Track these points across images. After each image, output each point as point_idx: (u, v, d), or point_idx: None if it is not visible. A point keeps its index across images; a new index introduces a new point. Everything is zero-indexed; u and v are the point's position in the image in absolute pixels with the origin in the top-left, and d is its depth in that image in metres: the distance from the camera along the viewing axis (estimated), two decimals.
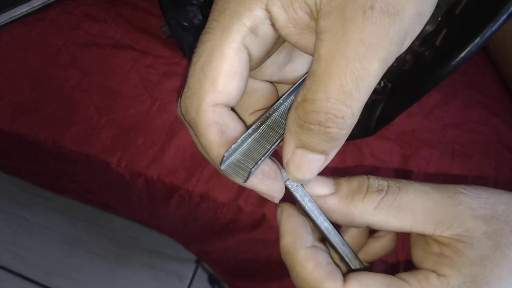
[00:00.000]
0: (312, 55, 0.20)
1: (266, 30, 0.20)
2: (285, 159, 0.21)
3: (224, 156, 0.20)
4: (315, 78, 0.18)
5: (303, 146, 0.20)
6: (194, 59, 0.21)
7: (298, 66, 0.25)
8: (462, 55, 0.28)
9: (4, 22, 0.45)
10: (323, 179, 0.24)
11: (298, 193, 0.24)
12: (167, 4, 0.40)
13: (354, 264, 0.26)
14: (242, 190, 0.41)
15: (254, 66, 0.22)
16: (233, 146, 0.20)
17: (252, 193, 0.41)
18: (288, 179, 0.23)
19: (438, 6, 0.24)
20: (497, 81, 0.47)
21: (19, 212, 0.97)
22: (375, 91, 0.35)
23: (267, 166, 0.22)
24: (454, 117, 0.44)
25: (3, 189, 0.98)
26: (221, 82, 0.20)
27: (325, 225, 0.24)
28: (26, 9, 0.45)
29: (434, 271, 0.22)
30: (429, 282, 0.22)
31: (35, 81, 0.44)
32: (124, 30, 0.46)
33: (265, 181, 0.22)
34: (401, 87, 0.33)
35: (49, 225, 0.97)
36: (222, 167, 0.21)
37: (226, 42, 0.20)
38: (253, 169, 0.20)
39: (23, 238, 0.96)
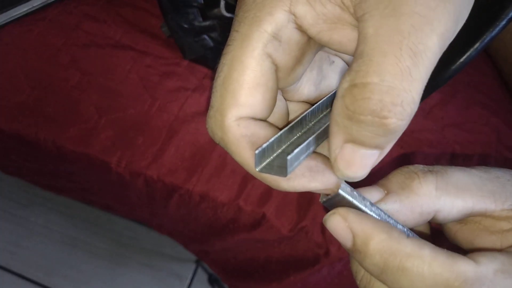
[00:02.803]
0: (349, 54, 0.18)
1: (291, 34, 0.19)
2: (332, 155, 0.18)
3: (255, 157, 0.18)
4: (364, 59, 0.16)
5: (354, 140, 0.17)
6: (216, 75, 0.19)
7: (332, 82, 0.23)
8: (461, 60, 0.28)
9: (4, 22, 0.45)
10: (365, 188, 0.21)
11: (356, 199, 0.20)
12: (167, 6, 0.41)
13: None
14: (242, 190, 0.41)
15: (284, 78, 0.20)
16: (264, 145, 0.18)
17: (252, 192, 0.41)
18: (341, 184, 0.20)
19: None
20: (497, 81, 0.47)
21: (19, 212, 0.97)
22: None
23: (312, 160, 0.19)
24: (454, 117, 0.44)
25: (3, 189, 0.98)
26: (243, 94, 0.18)
27: (399, 227, 0.20)
28: (26, 9, 0.45)
29: None
30: None
31: (35, 81, 0.44)
32: (124, 30, 0.46)
33: (316, 177, 0.19)
34: None
35: (49, 225, 0.97)
36: (257, 169, 0.18)
37: (247, 51, 0.18)
38: (290, 161, 0.17)
39: (23, 238, 0.96)
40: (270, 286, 0.49)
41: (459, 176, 0.21)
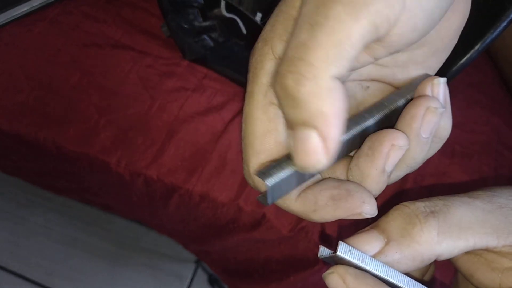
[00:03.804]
0: None
1: None
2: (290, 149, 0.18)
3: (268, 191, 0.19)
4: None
5: (289, 124, 0.17)
6: (243, 130, 0.21)
7: None
8: (462, 61, 0.28)
9: (4, 22, 0.45)
10: (366, 233, 0.21)
11: (354, 258, 0.19)
12: (168, 6, 0.41)
13: None
14: (242, 190, 0.41)
15: None
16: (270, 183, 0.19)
17: (252, 192, 0.41)
18: (338, 247, 0.19)
19: None
20: (498, 80, 0.47)
21: (19, 212, 0.97)
22: None
23: (335, 189, 0.21)
24: (454, 117, 0.44)
25: (3, 189, 0.98)
26: (258, 144, 0.21)
27: (401, 278, 0.20)
28: (26, 9, 0.45)
29: None
30: None
31: (35, 81, 0.44)
32: (124, 30, 0.46)
33: (339, 205, 0.20)
34: None
35: (49, 225, 0.96)
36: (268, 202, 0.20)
37: (253, 105, 0.20)
38: (270, 189, 0.19)
39: (23, 238, 0.95)
40: (270, 286, 0.49)
41: (462, 213, 0.20)
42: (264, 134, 0.20)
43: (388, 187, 0.41)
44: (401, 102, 0.22)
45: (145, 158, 0.41)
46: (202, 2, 0.40)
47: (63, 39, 0.45)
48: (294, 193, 0.22)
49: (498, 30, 0.27)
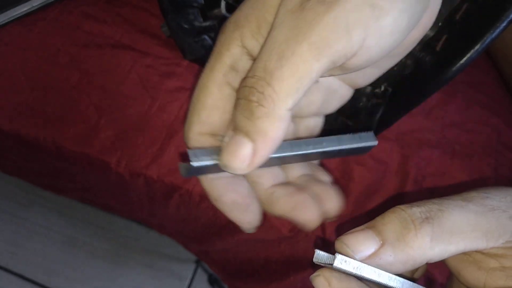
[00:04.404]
0: None
1: (246, 65, 0.22)
2: (222, 147, 0.21)
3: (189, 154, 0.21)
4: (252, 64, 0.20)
5: (235, 127, 0.20)
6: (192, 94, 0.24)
7: (314, 98, 0.26)
8: (462, 61, 0.28)
9: (3, 22, 0.45)
10: (361, 233, 0.21)
11: (351, 267, 0.20)
12: (168, 6, 0.41)
13: None
14: None
15: None
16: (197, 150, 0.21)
17: None
18: (335, 260, 0.20)
19: (438, 11, 0.24)
20: (498, 80, 0.47)
21: (19, 212, 0.98)
22: (376, 95, 0.35)
23: (239, 197, 0.23)
24: (454, 117, 0.44)
25: (3, 189, 0.98)
26: (204, 114, 0.23)
27: (395, 280, 0.21)
28: (26, 9, 0.45)
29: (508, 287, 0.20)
30: None
31: (35, 81, 0.44)
32: (124, 30, 0.46)
33: (234, 211, 0.23)
34: (401, 92, 0.33)
35: (49, 225, 0.97)
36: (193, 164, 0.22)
37: (210, 80, 0.22)
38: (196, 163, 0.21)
39: (23, 238, 0.96)
40: (270, 286, 0.49)
41: (455, 218, 0.21)
42: (212, 108, 0.23)
43: (388, 186, 0.41)
44: (337, 147, 0.24)
45: (145, 158, 0.41)
46: (202, 2, 0.40)
47: (63, 39, 0.45)
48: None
49: (498, 30, 0.27)
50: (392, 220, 0.21)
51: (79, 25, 0.46)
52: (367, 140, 0.25)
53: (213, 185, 0.24)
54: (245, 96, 0.19)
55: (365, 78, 0.26)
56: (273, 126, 0.19)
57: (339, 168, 0.41)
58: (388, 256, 0.20)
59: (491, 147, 0.43)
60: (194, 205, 0.42)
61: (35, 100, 0.43)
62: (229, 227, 0.43)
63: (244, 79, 0.20)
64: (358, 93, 0.35)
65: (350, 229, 0.25)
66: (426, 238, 0.20)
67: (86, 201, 0.60)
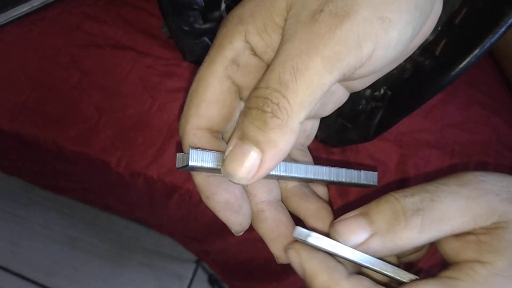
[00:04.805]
0: None
1: (248, 60, 0.22)
2: (226, 153, 0.20)
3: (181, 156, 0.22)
4: (265, 73, 0.20)
5: (243, 135, 0.20)
6: (190, 87, 0.23)
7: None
8: (461, 65, 0.28)
9: (4, 22, 0.45)
10: (353, 222, 0.22)
11: (325, 245, 0.22)
12: (168, 8, 0.41)
13: (404, 277, 0.23)
14: None
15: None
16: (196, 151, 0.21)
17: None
18: (309, 235, 0.22)
19: None
20: (498, 80, 0.47)
21: (19, 212, 0.98)
22: (375, 99, 0.35)
23: (232, 197, 0.23)
24: (454, 117, 0.44)
25: (3, 189, 0.99)
26: (203, 108, 0.22)
27: (360, 257, 0.22)
28: (26, 9, 0.45)
29: (476, 261, 0.21)
30: (477, 272, 0.21)
31: (35, 81, 0.44)
32: (124, 31, 0.46)
33: (226, 211, 0.23)
34: (401, 95, 0.33)
35: (49, 225, 0.97)
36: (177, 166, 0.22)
37: (210, 73, 0.22)
38: (192, 154, 0.21)
39: (23, 238, 0.96)
40: (270, 286, 0.49)
41: (446, 205, 0.22)
42: (212, 102, 0.22)
43: (387, 186, 0.41)
44: (337, 180, 0.25)
45: (145, 157, 0.41)
46: (203, 4, 0.40)
47: (63, 39, 0.46)
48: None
49: (497, 35, 0.27)
50: (384, 210, 0.22)
51: (79, 25, 0.46)
52: (368, 180, 0.26)
53: (207, 182, 0.23)
54: (258, 106, 0.19)
55: (363, 82, 0.26)
56: (285, 138, 0.19)
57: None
58: (377, 245, 0.22)
59: (491, 147, 0.43)
60: (194, 205, 0.43)
61: (35, 100, 0.43)
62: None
63: (256, 89, 0.19)
64: (358, 96, 0.36)
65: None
66: (415, 229, 0.21)
67: (86, 201, 0.60)
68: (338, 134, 0.38)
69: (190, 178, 0.41)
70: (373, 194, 0.40)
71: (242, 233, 0.25)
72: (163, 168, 0.41)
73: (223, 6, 0.41)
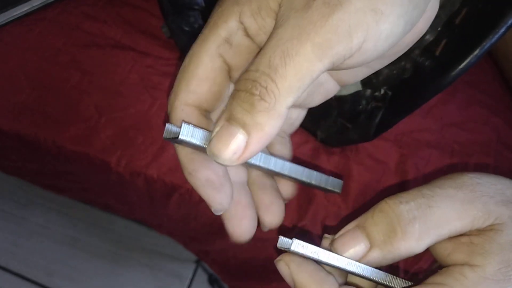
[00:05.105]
0: None
1: (240, 40, 0.22)
2: (213, 133, 0.20)
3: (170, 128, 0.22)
4: (257, 56, 0.20)
5: (230, 117, 0.20)
6: (183, 62, 0.23)
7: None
8: (461, 66, 0.28)
9: (4, 22, 0.45)
10: (350, 237, 0.22)
11: (308, 252, 0.22)
12: (168, 8, 0.41)
13: (394, 283, 0.23)
14: None
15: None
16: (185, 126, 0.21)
17: None
18: (292, 244, 0.22)
19: (437, 16, 0.24)
20: (498, 79, 0.47)
21: (19, 212, 0.98)
22: (376, 99, 0.35)
23: (214, 175, 0.23)
24: (454, 117, 0.44)
25: (3, 189, 0.99)
26: (193, 84, 0.22)
27: (345, 264, 0.22)
28: (26, 8, 0.45)
29: (466, 264, 0.21)
30: (466, 276, 0.21)
31: (35, 81, 0.44)
32: (124, 31, 0.46)
33: (206, 188, 0.23)
34: (401, 95, 0.33)
35: (49, 225, 0.97)
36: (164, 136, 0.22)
37: (203, 49, 0.22)
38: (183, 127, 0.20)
39: (23, 238, 0.96)
40: (270, 286, 0.49)
41: (443, 210, 0.22)
42: (202, 79, 0.22)
43: (387, 186, 0.41)
44: (304, 180, 0.25)
45: (145, 157, 0.41)
46: (203, 4, 0.40)
47: (63, 39, 0.46)
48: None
49: (497, 36, 0.27)
50: (380, 222, 0.22)
51: (79, 25, 0.46)
52: (333, 186, 0.26)
53: (190, 159, 0.23)
54: (246, 88, 0.19)
55: (353, 76, 0.26)
56: (271, 122, 0.19)
57: (338, 167, 0.41)
58: (376, 257, 0.22)
59: (490, 146, 0.43)
60: (194, 204, 0.43)
61: (35, 100, 0.43)
62: None
63: (246, 72, 0.20)
64: (358, 96, 0.36)
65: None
66: (413, 238, 0.21)
67: (86, 201, 0.60)
68: (338, 134, 0.38)
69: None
70: (373, 194, 0.40)
71: (221, 212, 0.25)
72: (163, 167, 0.41)
73: None
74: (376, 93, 0.35)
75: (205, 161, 0.23)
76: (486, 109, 0.44)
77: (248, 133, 0.19)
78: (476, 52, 0.27)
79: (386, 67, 0.28)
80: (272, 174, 0.27)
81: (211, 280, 0.90)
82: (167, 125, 0.22)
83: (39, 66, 0.44)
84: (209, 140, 0.20)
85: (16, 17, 0.45)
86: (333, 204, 0.40)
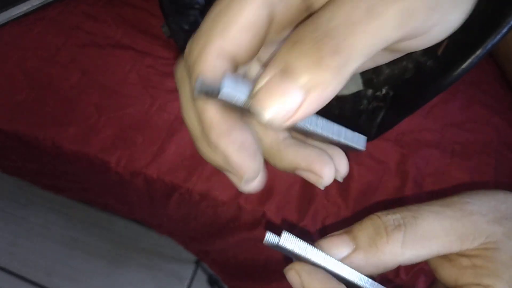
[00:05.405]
0: None
1: None
2: (258, 85, 0.16)
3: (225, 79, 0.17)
4: (324, 6, 0.16)
5: (287, 68, 0.16)
6: (212, 8, 0.18)
7: None
8: (463, 66, 0.28)
9: (3, 22, 0.45)
10: (337, 238, 0.22)
11: (295, 247, 0.21)
12: (169, 8, 0.41)
13: None
14: None
15: (274, 34, 0.19)
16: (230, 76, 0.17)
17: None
18: (280, 239, 0.21)
19: None
20: (499, 79, 0.47)
21: (18, 212, 0.98)
22: (377, 99, 0.35)
23: (249, 140, 0.19)
24: (454, 117, 0.44)
25: (3, 189, 0.98)
26: (234, 30, 0.18)
27: (337, 266, 0.22)
28: (25, 8, 0.45)
29: (477, 284, 0.21)
30: None
31: (35, 80, 0.44)
32: (124, 30, 0.46)
33: (242, 153, 0.19)
34: (402, 95, 0.33)
35: (48, 225, 0.97)
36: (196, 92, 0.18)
37: None
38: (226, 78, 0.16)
39: (23, 239, 0.96)
40: (270, 286, 0.49)
41: (429, 223, 0.22)
42: (245, 28, 0.18)
43: (388, 186, 0.41)
44: (338, 138, 0.22)
45: (145, 157, 0.41)
46: (203, 3, 0.40)
47: (63, 39, 0.46)
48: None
49: (499, 35, 0.27)
50: (367, 227, 0.22)
51: (79, 25, 0.46)
52: (358, 144, 0.23)
53: (222, 118, 0.19)
54: (316, 38, 0.16)
55: (360, 68, 0.24)
56: (335, 82, 0.16)
57: None
58: (360, 260, 0.22)
59: (491, 146, 0.43)
60: (194, 204, 0.42)
61: (34, 99, 0.43)
62: (229, 226, 0.43)
63: (318, 19, 0.16)
64: (359, 96, 0.36)
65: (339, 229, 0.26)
66: (397, 244, 0.21)
67: (86, 201, 0.60)
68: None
69: (190, 178, 0.41)
70: (373, 194, 0.40)
71: (249, 187, 0.21)
72: (163, 167, 0.41)
73: None
74: (378, 93, 0.34)
75: (238, 123, 0.19)
76: (487, 109, 0.44)
77: (307, 91, 0.15)
78: (478, 53, 0.27)
79: (387, 66, 0.28)
80: (301, 133, 0.23)
81: (211, 280, 0.90)
82: (199, 78, 0.18)
83: (38, 65, 0.44)
84: (253, 95, 0.16)
85: (15, 16, 0.45)
86: (333, 204, 0.40)
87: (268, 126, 0.17)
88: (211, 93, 0.17)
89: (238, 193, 0.40)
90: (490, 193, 0.23)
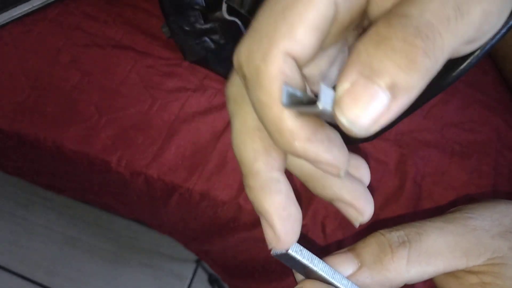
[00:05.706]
0: None
1: None
2: (339, 91, 0.14)
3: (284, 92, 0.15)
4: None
5: (371, 72, 0.14)
6: (268, 6, 0.16)
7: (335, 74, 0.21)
8: (462, 67, 0.28)
9: (4, 22, 0.45)
10: (342, 257, 0.22)
11: (304, 257, 0.20)
12: (169, 8, 0.41)
13: None
14: (242, 188, 0.41)
15: (333, 36, 0.18)
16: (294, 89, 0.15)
17: None
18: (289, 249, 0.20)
19: None
20: (498, 79, 0.47)
21: (19, 212, 0.98)
22: None
23: (332, 132, 0.18)
24: (454, 117, 0.44)
25: (3, 189, 0.98)
26: (302, 30, 0.16)
27: (343, 281, 0.21)
28: (26, 8, 0.45)
29: None
30: None
31: (35, 81, 0.44)
32: (124, 31, 0.46)
33: (332, 149, 0.17)
34: None
35: (49, 225, 0.97)
36: (285, 102, 0.15)
37: None
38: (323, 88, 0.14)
39: (23, 238, 0.96)
40: (270, 286, 0.49)
41: (433, 240, 0.21)
42: (311, 27, 0.16)
43: (387, 186, 0.41)
44: None
45: (146, 157, 0.41)
46: (204, 4, 0.40)
47: (63, 39, 0.46)
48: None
49: (498, 36, 0.27)
50: (371, 244, 0.22)
51: (80, 25, 0.46)
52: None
53: (306, 122, 0.16)
54: (406, 37, 0.13)
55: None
56: (422, 84, 0.14)
57: None
58: (366, 277, 0.21)
59: (490, 146, 0.43)
60: (194, 204, 0.43)
61: (35, 100, 0.43)
62: (230, 226, 0.43)
63: (401, 16, 0.14)
64: None
65: (351, 236, 0.26)
66: (402, 261, 0.21)
67: (86, 201, 0.60)
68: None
69: (190, 177, 0.41)
70: (373, 194, 0.40)
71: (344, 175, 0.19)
72: (163, 167, 0.41)
73: (224, 6, 0.41)
74: None
75: (322, 124, 0.17)
76: (486, 109, 0.44)
77: (394, 95, 0.14)
78: (477, 53, 0.27)
79: None
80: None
81: (211, 280, 0.90)
82: (284, 86, 0.16)
83: (39, 66, 0.44)
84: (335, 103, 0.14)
85: (16, 17, 0.45)
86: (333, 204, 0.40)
87: (351, 132, 0.15)
88: (304, 102, 0.16)
89: (238, 193, 0.41)
90: (491, 205, 0.23)
